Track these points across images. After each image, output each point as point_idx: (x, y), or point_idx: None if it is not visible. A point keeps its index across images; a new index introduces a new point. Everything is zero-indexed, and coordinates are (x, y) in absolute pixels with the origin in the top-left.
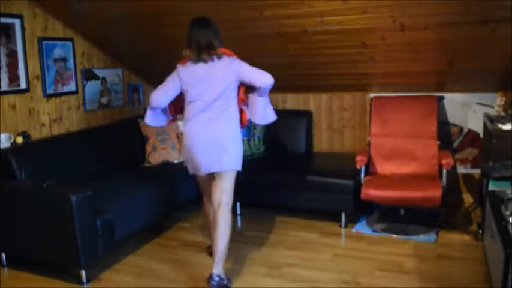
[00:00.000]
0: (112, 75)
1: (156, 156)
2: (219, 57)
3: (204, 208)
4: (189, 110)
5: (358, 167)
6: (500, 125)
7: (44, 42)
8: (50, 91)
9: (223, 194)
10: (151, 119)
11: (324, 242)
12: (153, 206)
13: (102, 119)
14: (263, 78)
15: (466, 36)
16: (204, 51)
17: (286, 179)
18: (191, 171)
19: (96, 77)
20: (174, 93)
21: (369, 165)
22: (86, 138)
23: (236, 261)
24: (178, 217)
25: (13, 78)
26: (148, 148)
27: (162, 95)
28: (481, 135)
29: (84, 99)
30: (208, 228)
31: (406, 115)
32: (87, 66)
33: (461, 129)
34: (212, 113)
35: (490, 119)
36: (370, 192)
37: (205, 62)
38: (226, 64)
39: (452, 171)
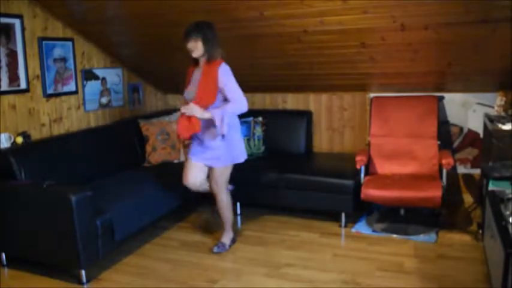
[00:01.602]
0: (112, 75)
1: (156, 156)
2: None
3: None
4: None
5: (358, 167)
6: (500, 125)
7: (44, 42)
8: (50, 91)
9: None
10: None
11: (324, 242)
12: (153, 206)
13: (102, 119)
14: None
15: (466, 36)
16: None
17: (286, 179)
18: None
19: (96, 77)
20: None
21: (369, 165)
22: (86, 138)
23: (236, 261)
24: (178, 217)
25: (13, 78)
26: (148, 148)
27: None
28: (481, 135)
29: (84, 99)
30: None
31: (406, 115)
32: (87, 66)
33: (461, 129)
34: None
35: (490, 119)
36: (370, 192)
37: None
38: None
39: (452, 171)
